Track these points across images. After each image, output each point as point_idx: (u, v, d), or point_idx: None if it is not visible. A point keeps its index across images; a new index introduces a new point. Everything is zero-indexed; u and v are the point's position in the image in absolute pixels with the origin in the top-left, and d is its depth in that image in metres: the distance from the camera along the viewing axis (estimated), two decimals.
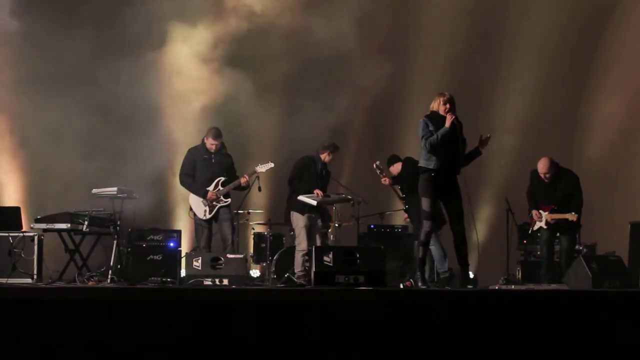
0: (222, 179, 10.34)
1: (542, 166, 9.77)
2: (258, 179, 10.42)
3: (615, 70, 13.01)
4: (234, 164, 10.56)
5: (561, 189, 9.75)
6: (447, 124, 8.36)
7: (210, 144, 10.31)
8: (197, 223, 10.34)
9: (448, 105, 8.42)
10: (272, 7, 12.76)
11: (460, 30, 12.86)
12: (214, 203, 10.25)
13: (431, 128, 8.37)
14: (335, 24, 12.51)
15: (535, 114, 12.92)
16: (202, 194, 10.25)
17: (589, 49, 13.15)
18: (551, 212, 9.71)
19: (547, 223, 9.76)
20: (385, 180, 10.39)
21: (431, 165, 8.41)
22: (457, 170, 8.55)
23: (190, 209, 10.37)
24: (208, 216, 10.27)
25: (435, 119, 8.43)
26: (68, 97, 11.82)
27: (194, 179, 10.33)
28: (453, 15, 12.92)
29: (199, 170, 10.33)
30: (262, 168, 10.40)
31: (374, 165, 10.38)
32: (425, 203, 8.47)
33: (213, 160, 10.36)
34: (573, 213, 9.61)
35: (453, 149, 8.39)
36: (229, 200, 10.36)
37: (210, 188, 10.27)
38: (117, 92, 11.92)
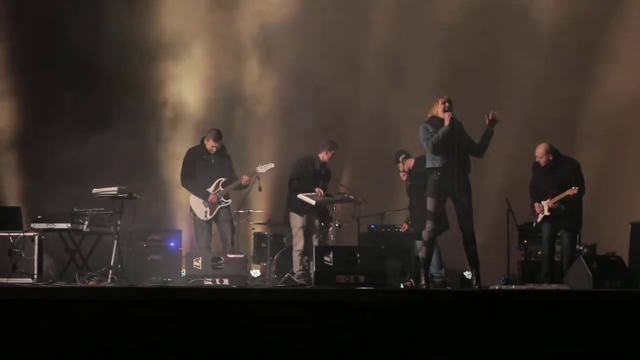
0: (222, 179, 10.33)
1: (538, 150, 9.79)
2: (258, 179, 10.43)
3: (616, 70, 12.98)
4: (232, 164, 10.56)
5: (561, 174, 9.73)
6: (446, 122, 8.48)
7: (212, 145, 10.29)
8: (197, 224, 10.34)
9: (447, 105, 8.53)
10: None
11: (459, 35, 12.88)
12: (214, 204, 10.24)
13: (431, 130, 8.48)
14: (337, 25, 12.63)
15: (536, 114, 12.90)
16: (204, 195, 10.23)
17: (588, 47, 13.13)
18: (552, 197, 9.68)
19: (549, 210, 9.72)
20: (404, 176, 10.41)
21: (437, 164, 8.51)
22: (466, 167, 8.60)
23: (191, 209, 10.37)
24: (209, 217, 10.27)
25: (435, 123, 8.57)
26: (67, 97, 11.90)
27: (194, 179, 10.33)
28: (453, 21, 12.96)
29: (199, 171, 10.32)
30: (262, 168, 10.40)
31: (400, 159, 10.40)
32: (430, 203, 8.57)
33: (213, 161, 10.35)
34: (573, 187, 9.55)
35: (457, 147, 8.44)
36: (230, 200, 10.37)
37: (211, 189, 10.26)
38: (118, 92, 11.97)
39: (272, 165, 10.45)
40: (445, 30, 12.90)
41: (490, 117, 8.66)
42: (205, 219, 10.26)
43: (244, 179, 10.31)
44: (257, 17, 12.72)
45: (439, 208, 8.59)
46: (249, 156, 12.05)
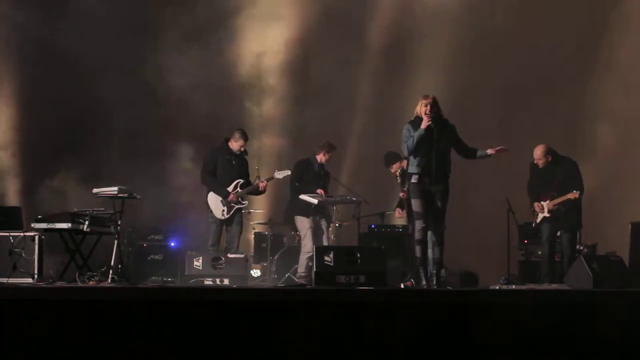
0: (241, 181, 10.39)
1: (536, 152, 9.79)
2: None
3: (617, 70, 12.99)
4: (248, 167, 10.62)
5: (560, 174, 9.73)
6: (423, 125, 8.48)
7: (240, 145, 10.35)
8: (211, 221, 10.37)
9: (428, 107, 8.49)
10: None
11: (456, 35, 12.90)
12: (232, 204, 10.28)
13: (412, 133, 8.49)
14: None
15: (536, 113, 12.91)
16: (224, 194, 10.27)
17: (589, 45, 13.13)
18: (552, 199, 9.67)
19: (549, 211, 9.71)
20: (404, 195, 10.46)
21: (414, 169, 8.56)
22: (444, 172, 8.59)
23: (208, 207, 10.38)
24: (226, 216, 10.31)
25: (418, 123, 8.54)
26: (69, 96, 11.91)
27: (215, 178, 10.37)
28: (451, 20, 12.97)
29: (220, 170, 10.40)
30: (279, 175, 10.48)
31: (395, 174, 10.42)
32: (415, 204, 8.66)
33: (234, 162, 10.44)
34: (574, 191, 9.55)
35: (434, 150, 8.45)
36: (246, 202, 10.46)
37: (230, 189, 10.30)
38: (118, 91, 11.97)
39: (289, 172, 10.49)
40: (446, 29, 12.91)
41: (496, 149, 8.66)
42: (222, 217, 10.31)
43: (262, 185, 10.37)
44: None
45: (425, 207, 8.61)
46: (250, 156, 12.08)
